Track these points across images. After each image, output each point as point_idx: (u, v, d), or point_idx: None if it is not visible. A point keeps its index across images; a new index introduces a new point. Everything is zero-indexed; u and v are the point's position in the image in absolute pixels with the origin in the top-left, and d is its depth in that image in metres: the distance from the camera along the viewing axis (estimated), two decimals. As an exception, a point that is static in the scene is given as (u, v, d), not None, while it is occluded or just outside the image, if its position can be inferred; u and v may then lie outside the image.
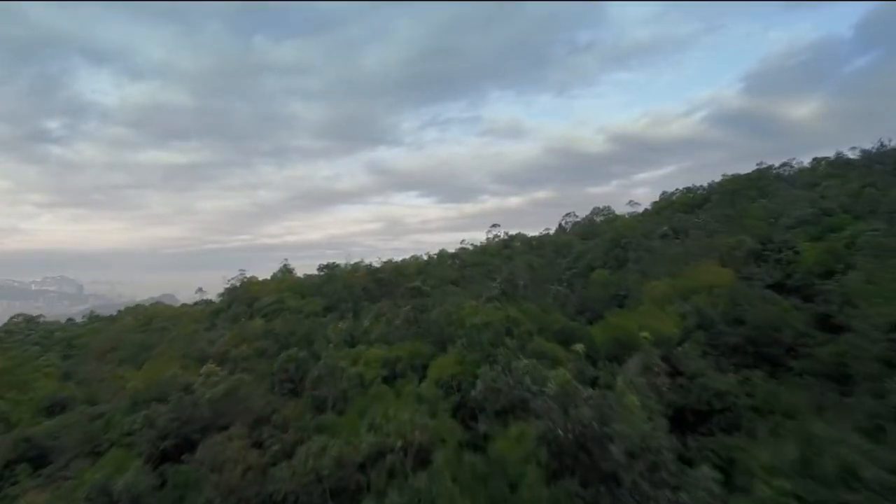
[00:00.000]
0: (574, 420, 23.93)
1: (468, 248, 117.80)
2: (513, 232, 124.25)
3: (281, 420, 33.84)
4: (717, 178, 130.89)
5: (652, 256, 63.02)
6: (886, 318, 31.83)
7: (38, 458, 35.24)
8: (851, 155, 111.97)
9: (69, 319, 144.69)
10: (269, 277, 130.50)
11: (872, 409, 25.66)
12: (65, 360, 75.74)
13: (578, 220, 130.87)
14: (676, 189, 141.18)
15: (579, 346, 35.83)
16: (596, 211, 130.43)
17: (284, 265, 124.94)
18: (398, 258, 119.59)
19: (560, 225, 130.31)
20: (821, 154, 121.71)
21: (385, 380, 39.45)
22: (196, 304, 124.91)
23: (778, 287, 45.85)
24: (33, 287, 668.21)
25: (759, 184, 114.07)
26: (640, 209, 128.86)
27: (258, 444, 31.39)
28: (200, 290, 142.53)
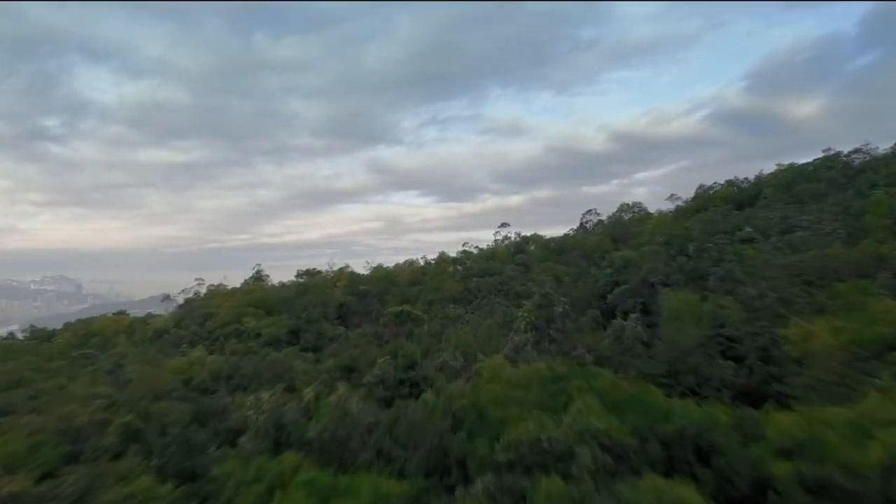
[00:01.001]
0: None
1: (472, 252, 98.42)
2: (525, 231, 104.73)
3: None
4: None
5: (749, 268, 42.90)
6: None
7: None
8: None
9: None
10: (241, 284, 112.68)
11: None
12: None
13: (601, 218, 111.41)
14: (715, 182, 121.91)
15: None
16: (624, 208, 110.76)
17: (257, 271, 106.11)
18: (390, 263, 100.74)
19: (581, 224, 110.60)
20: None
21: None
22: (149, 317, 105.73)
23: None
24: (32, 286, 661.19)
25: (828, 174, 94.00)
26: (671, 205, 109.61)
27: None
28: (168, 297, 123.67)
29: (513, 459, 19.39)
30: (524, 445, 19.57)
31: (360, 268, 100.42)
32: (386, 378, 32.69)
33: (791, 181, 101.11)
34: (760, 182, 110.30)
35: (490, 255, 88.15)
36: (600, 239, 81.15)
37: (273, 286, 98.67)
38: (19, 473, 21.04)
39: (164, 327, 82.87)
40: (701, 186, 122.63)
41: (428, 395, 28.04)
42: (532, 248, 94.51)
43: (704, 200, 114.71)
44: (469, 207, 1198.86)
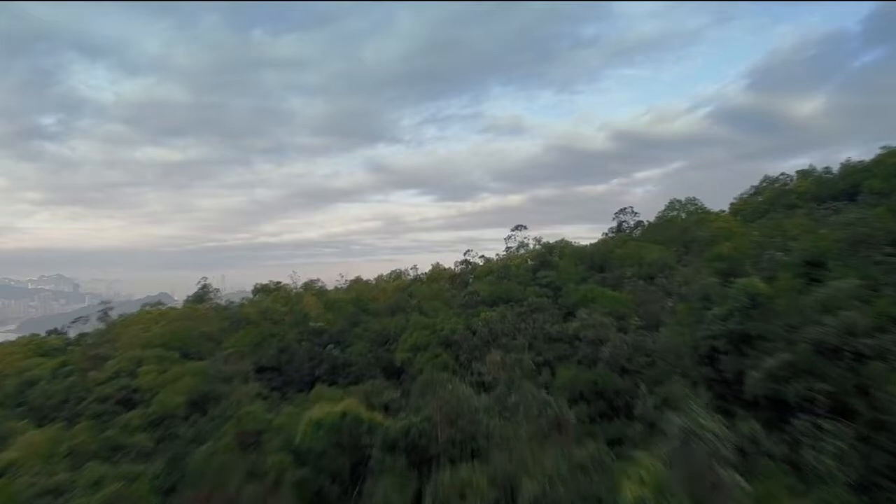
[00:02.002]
0: None
1: (478, 264, 74.33)
2: (539, 233, 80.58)
3: None
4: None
5: None
6: None
7: None
8: None
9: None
10: (189, 298, 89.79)
11: None
12: None
13: (639, 218, 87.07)
14: (783, 174, 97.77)
15: None
16: (674, 205, 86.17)
17: (203, 286, 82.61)
18: (388, 263, 77.69)
19: (619, 226, 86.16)
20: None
21: None
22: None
23: None
24: (29, 286, 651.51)
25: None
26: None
27: None
28: (106, 313, 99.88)
29: None
30: None
31: (352, 272, 78.52)
32: None
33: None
34: (850, 171, 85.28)
35: (504, 272, 63.51)
36: (661, 250, 56.37)
37: (217, 306, 75.25)
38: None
39: (56, 363, 58.71)
40: (765, 177, 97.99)
41: None
42: (557, 259, 70.06)
43: (773, 195, 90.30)
44: (469, 206, 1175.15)
